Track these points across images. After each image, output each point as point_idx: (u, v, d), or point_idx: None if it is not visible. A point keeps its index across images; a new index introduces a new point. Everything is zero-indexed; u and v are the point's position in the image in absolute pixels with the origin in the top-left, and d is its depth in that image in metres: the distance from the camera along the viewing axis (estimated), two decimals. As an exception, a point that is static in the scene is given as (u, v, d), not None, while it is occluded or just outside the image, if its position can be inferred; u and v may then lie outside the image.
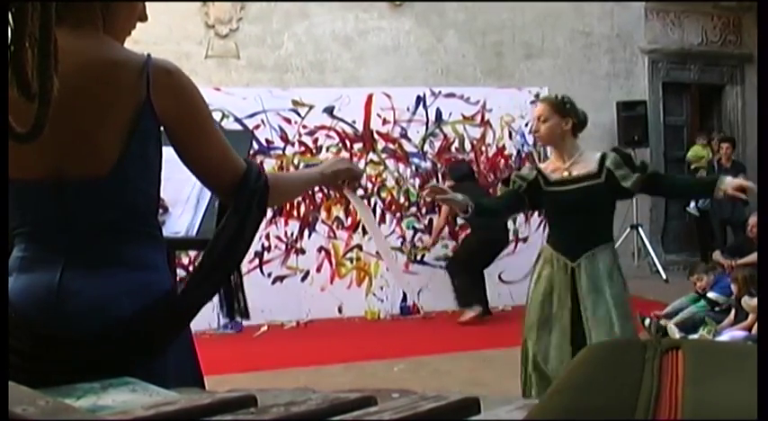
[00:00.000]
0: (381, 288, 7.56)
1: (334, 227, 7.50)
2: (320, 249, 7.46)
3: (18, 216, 1.44)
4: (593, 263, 3.51)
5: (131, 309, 1.40)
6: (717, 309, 6.22)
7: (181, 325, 1.51)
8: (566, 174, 3.58)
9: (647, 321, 6.29)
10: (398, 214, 7.74)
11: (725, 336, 5.56)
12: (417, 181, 7.79)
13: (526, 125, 8.06)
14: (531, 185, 3.66)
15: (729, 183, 3.38)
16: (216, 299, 1.60)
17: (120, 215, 1.44)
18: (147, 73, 1.42)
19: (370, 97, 7.65)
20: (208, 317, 6.64)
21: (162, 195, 1.56)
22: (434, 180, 7.83)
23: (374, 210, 7.67)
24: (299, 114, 7.45)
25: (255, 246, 7.20)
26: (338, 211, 7.52)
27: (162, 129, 1.48)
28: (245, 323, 6.78)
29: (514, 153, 8.06)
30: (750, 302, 5.59)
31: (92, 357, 1.34)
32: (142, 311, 1.41)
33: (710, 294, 6.30)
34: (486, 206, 3.98)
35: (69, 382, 1.14)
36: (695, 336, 5.75)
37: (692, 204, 9.61)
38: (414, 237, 7.75)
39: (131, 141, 1.41)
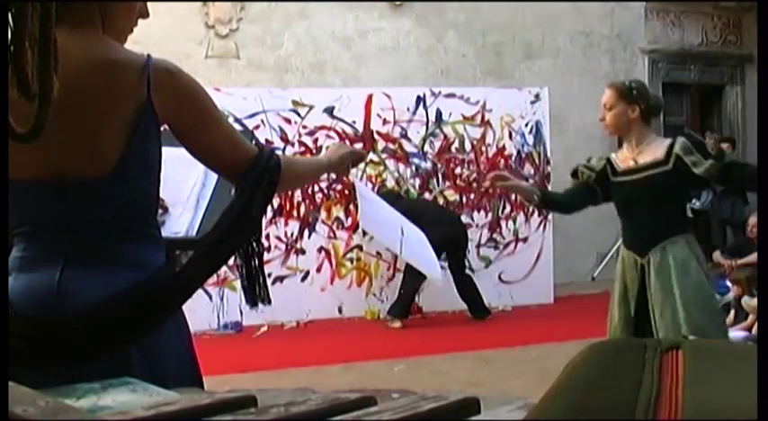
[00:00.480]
0: (381, 288, 7.56)
1: (335, 227, 7.50)
2: (320, 249, 7.46)
3: (18, 216, 1.44)
4: (664, 257, 3.27)
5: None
6: None
7: (180, 297, 1.51)
8: (632, 163, 3.38)
9: None
10: (398, 214, 7.72)
11: (725, 336, 5.56)
12: (417, 181, 7.79)
13: (526, 125, 8.07)
14: (600, 175, 3.47)
15: None
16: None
17: (119, 215, 1.44)
18: (147, 73, 1.42)
19: (370, 97, 7.65)
20: (208, 318, 6.65)
21: (162, 195, 1.57)
22: (434, 180, 7.84)
23: (374, 211, 7.66)
24: (299, 114, 7.45)
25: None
26: (338, 212, 7.52)
27: (165, 128, 1.48)
28: (244, 323, 6.79)
29: (514, 153, 8.06)
30: (750, 302, 5.59)
31: (92, 327, 1.36)
32: (143, 282, 1.42)
33: None
34: (555, 197, 3.80)
35: (71, 360, 1.14)
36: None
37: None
38: (414, 237, 7.74)
39: (132, 141, 1.41)
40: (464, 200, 7.94)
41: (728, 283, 6.29)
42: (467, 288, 7.14)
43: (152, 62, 1.44)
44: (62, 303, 1.38)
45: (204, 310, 6.48)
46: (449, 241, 6.84)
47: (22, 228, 1.44)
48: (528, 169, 8.10)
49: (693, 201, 9.51)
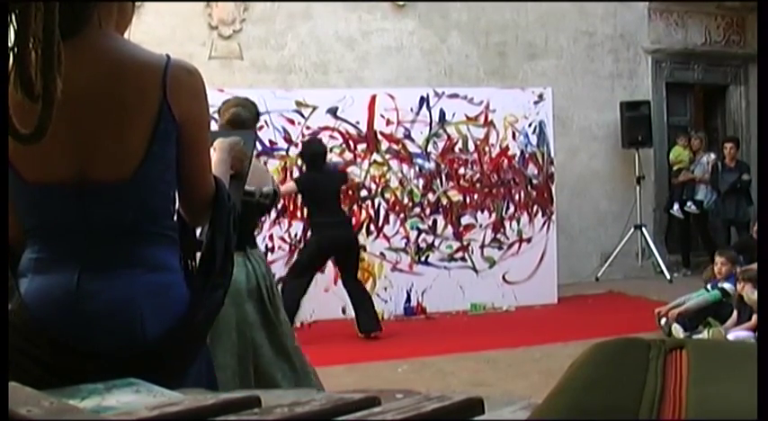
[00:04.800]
0: (385, 289, 7.56)
1: (338, 227, 7.49)
2: (324, 250, 7.44)
3: (35, 217, 1.43)
4: None
5: (149, 310, 1.41)
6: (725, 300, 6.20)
7: (198, 344, 1.54)
8: None
9: (663, 320, 6.24)
10: (402, 215, 7.73)
11: (729, 336, 5.55)
12: (421, 181, 7.78)
13: (530, 125, 8.07)
14: None
15: None
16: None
17: (139, 217, 1.43)
18: (167, 73, 1.41)
19: (373, 98, 7.65)
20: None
21: None
22: (437, 181, 7.84)
23: (378, 211, 7.67)
24: (302, 115, 7.45)
25: (259, 246, 7.19)
26: (342, 212, 7.52)
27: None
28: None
29: (518, 153, 8.05)
30: (752, 296, 5.57)
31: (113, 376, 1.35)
32: (162, 334, 1.41)
33: (725, 285, 6.26)
34: None
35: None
36: (700, 336, 5.74)
37: (676, 206, 9.56)
38: (418, 237, 7.75)
39: (153, 143, 1.41)
40: (468, 200, 7.94)
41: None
42: (357, 298, 6.57)
43: (172, 62, 1.43)
44: (81, 304, 1.38)
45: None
46: (336, 245, 6.45)
47: (38, 229, 1.44)
48: (531, 169, 8.09)
49: (689, 204, 9.49)
